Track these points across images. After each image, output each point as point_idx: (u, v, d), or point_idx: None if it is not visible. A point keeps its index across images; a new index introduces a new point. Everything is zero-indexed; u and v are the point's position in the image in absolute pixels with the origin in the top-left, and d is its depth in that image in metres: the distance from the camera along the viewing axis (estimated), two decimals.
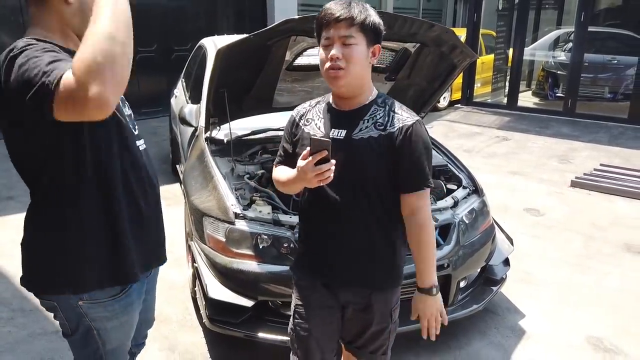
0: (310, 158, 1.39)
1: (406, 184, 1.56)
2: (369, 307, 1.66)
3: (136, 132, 1.54)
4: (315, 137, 1.43)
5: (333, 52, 1.46)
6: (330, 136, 1.54)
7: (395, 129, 1.52)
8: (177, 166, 4.74)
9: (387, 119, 1.54)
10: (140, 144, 1.54)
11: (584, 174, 5.45)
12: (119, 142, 1.41)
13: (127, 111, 1.54)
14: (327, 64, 1.48)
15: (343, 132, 1.55)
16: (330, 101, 1.64)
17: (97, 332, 1.50)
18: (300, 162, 1.43)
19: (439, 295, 1.62)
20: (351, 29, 1.45)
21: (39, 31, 1.33)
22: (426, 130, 1.60)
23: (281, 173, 1.66)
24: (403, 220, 1.61)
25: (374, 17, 1.49)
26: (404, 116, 1.56)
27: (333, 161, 1.39)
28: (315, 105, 1.68)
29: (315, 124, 1.61)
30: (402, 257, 1.69)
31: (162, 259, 1.64)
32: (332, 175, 1.41)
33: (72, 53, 1.39)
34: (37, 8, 1.35)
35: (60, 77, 1.09)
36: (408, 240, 1.63)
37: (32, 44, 1.21)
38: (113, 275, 1.44)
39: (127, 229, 1.43)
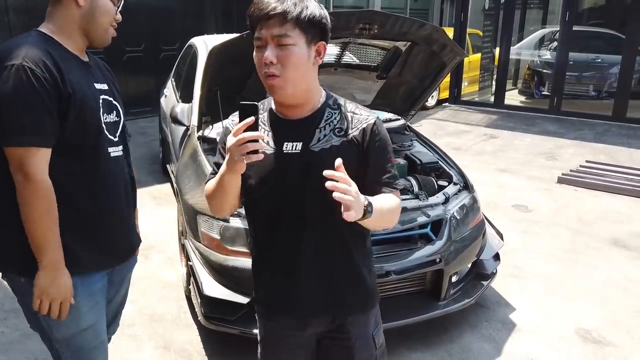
0: (238, 127, 1.15)
1: (375, 187, 1.35)
2: (346, 336, 1.45)
3: (115, 139, 1.59)
4: (241, 102, 1.19)
5: (266, 54, 1.22)
6: (284, 151, 1.29)
7: (358, 131, 1.34)
8: (168, 166, 4.73)
9: (345, 122, 1.35)
10: (115, 150, 1.58)
11: (570, 171, 5.54)
12: (87, 149, 1.48)
13: (113, 118, 1.58)
14: (263, 70, 1.24)
15: (298, 145, 1.32)
16: (274, 109, 1.38)
17: (40, 316, 1.51)
18: (229, 139, 1.19)
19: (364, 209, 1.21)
20: (285, 26, 1.20)
21: (50, 27, 1.48)
22: (383, 125, 1.42)
23: (211, 181, 1.36)
24: (366, 232, 1.46)
25: (313, 9, 1.23)
26: (363, 115, 1.37)
27: (261, 135, 1.16)
28: None
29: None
30: (371, 274, 1.49)
31: (114, 261, 1.65)
32: (260, 153, 1.16)
33: (67, 52, 1.48)
34: (53, 6, 1.48)
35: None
36: None
37: (20, 70, 1.33)
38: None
39: (71, 228, 1.47)
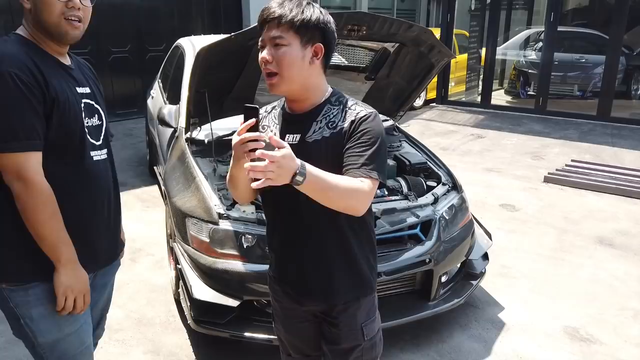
0: (241, 127, 1.25)
1: (349, 172, 1.36)
2: (334, 321, 1.55)
3: (99, 142, 1.58)
4: (245, 105, 1.27)
5: (262, 55, 1.36)
6: (286, 141, 1.34)
7: (347, 123, 1.41)
8: (155, 168, 4.70)
9: (340, 116, 1.43)
10: (98, 154, 1.58)
11: (556, 170, 5.60)
12: (69, 153, 1.48)
13: (95, 122, 1.57)
14: (263, 68, 1.39)
15: (297, 137, 1.45)
16: (285, 106, 1.52)
17: (24, 322, 1.50)
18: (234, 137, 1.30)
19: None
20: (280, 28, 1.33)
21: (25, 30, 1.48)
22: (381, 124, 1.45)
23: (229, 173, 1.53)
24: (365, 222, 1.52)
25: (309, 13, 1.34)
26: (357, 110, 1.43)
27: (263, 136, 1.23)
28: (271, 111, 1.57)
29: (271, 131, 1.51)
30: (367, 263, 1.55)
31: (97, 265, 1.65)
32: (262, 150, 1.20)
33: (47, 54, 1.47)
34: (24, 11, 1.48)
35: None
36: None
37: (5, 76, 1.33)
38: (32, 270, 1.47)
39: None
